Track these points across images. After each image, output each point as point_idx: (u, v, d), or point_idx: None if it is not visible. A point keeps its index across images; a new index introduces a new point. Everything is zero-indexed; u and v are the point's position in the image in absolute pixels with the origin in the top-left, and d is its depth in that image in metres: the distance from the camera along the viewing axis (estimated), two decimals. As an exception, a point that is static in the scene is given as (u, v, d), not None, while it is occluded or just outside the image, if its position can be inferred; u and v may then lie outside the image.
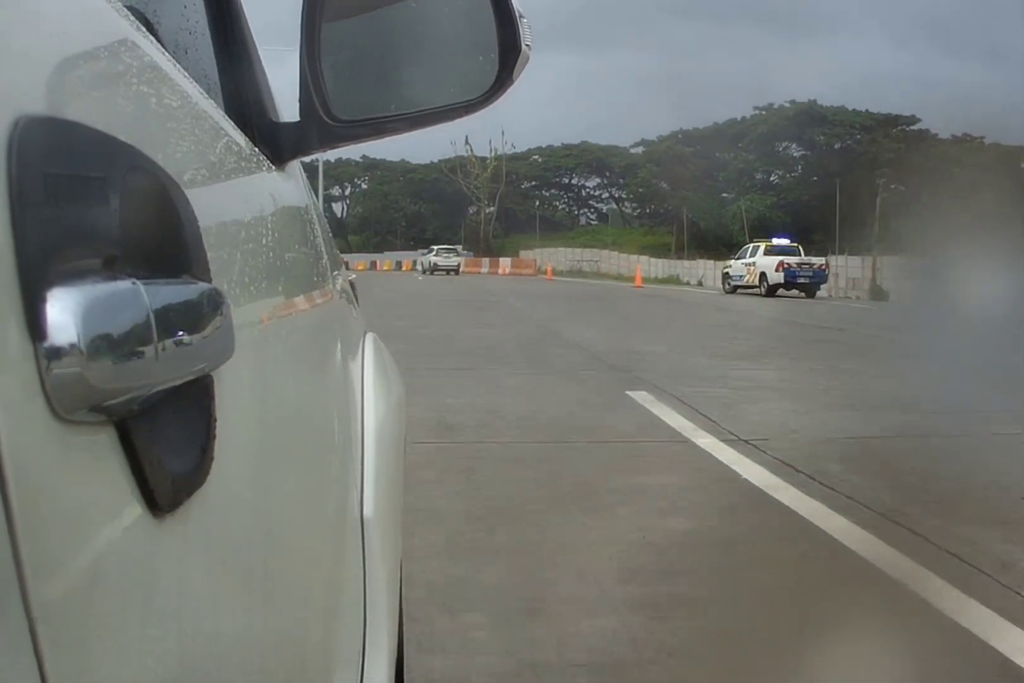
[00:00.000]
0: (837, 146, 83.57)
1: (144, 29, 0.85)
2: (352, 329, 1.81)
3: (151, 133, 0.74)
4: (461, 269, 65.48)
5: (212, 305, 0.70)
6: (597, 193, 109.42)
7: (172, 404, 0.64)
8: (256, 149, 1.25)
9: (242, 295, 0.90)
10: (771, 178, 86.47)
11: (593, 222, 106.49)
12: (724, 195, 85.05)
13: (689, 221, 79.09)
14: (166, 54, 0.91)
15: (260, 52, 1.46)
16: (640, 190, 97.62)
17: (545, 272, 65.88)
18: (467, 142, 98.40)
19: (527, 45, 1.30)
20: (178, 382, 0.64)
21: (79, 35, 0.66)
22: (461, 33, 1.37)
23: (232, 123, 1.15)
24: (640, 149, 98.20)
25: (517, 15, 1.29)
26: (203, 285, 0.71)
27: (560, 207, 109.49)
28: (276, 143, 1.34)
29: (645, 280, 51.22)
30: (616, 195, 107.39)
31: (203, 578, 0.72)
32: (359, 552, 1.50)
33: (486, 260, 72.14)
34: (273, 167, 1.31)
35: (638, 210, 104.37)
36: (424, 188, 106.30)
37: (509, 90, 1.33)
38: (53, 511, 0.51)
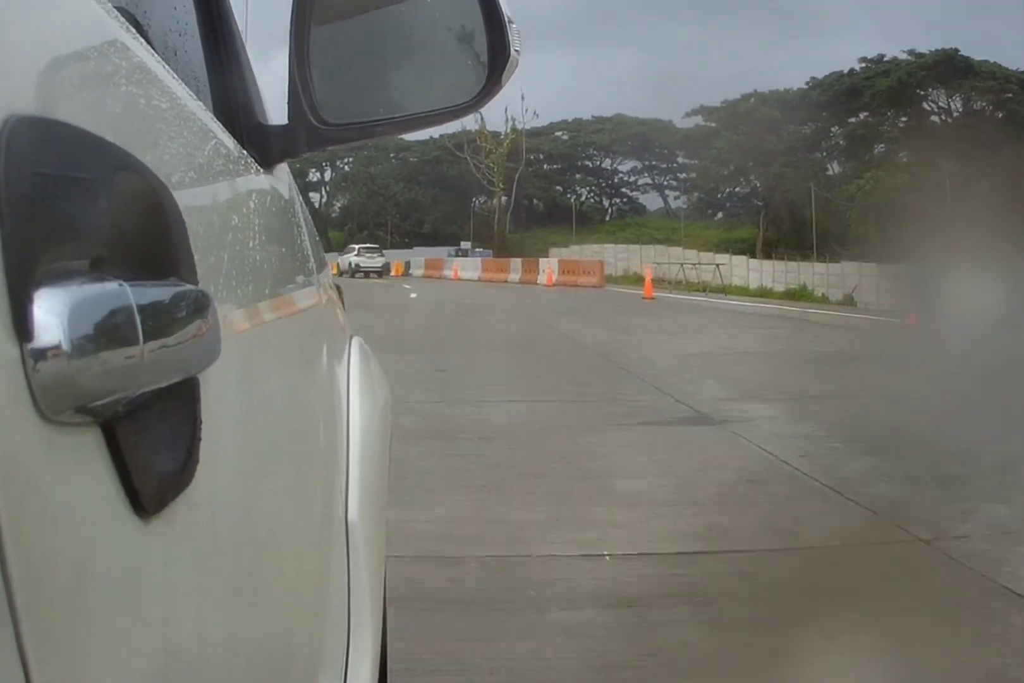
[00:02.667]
0: (991, 108, 59.41)
1: (134, 30, 0.85)
2: (338, 333, 1.81)
3: (140, 134, 0.74)
4: (390, 271, 53.08)
5: (199, 307, 0.70)
6: (632, 179, 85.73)
7: (158, 406, 0.64)
8: (244, 151, 1.25)
9: (229, 297, 0.90)
10: (899, 153, 58.53)
11: (626, 213, 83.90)
12: (828, 173, 62.91)
13: (789, 208, 57.93)
14: (155, 56, 0.91)
15: (249, 54, 1.46)
16: (708, 167, 70.89)
17: (615, 281, 44.80)
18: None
19: (516, 50, 1.30)
20: (164, 384, 0.64)
21: (69, 36, 0.66)
22: (450, 37, 1.37)
23: (220, 125, 1.15)
24: (695, 120, 73.52)
25: (506, 20, 1.29)
26: (190, 287, 0.71)
27: (588, 195, 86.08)
28: (264, 145, 1.34)
29: (757, 294, 37.35)
30: (659, 180, 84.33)
31: (188, 579, 0.72)
32: (343, 554, 1.50)
33: (516, 263, 45.85)
34: (261, 169, 1.31)
35: (689, 197, 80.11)
36: (421, 170, 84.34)
37: (498, 95, 1.33)
38: (39, 512, 0.51)
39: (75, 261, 0.55)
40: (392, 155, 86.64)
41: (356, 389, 1.74)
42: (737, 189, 74.15)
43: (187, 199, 0.79)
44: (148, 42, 0.94)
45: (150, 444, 0.63)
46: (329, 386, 1.55)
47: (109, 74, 0.71)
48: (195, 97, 1.06)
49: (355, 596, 1.50)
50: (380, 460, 1.76)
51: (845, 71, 63.44)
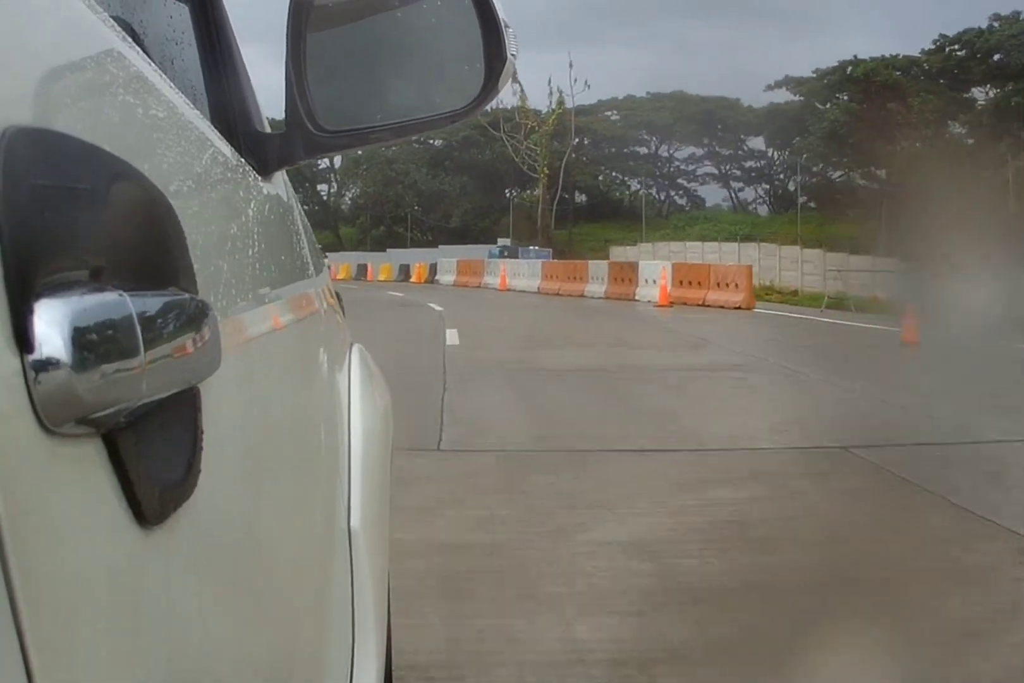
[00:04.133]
0: None
1: (130, 40, 0.85)
2: (338, 340, 1.81)
3: (137, 144, 0.74)
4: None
5: (199, 316, 0.70)
6: (690, 168, 71.77)
7: (159, 416, 0.64)
8: (242, 159, 1.25)
9: (229, 306, 0.90)
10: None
11: (682, 207, 71.14)
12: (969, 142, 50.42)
13: (923, 196, 34.33)
14: (152, 65, 0.91)
15: (246, 62, 1.46)
16: (813, 145, 56.58)
17: (762, 297, 27.44)
18: (515, 79, 55.74)
19: (512, 54, 1.30)
20: (165, 394, 0.64)
21: (66, 46, 0.66)
22: (447, 43, 1.37)
23: (218, 133, 1.15)
24: (777, 95, 60.75)
25: (503, 25, 1.29)
26: (190, 296, 0.71)
27: (641, 185, 71.18)
28: (262, 153, 1.34)
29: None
30: (724, 169, 70.66)
31: (191, 589, 0.71)
32: (347, 561, 1.50)
33: (597, 267, 30.60)
34: (259, 177, 1.31)
35: (770, 185, 67.99)
36: (447, 154, 68.99)
37: (495, 99, 1.33)
38: (41, 523, 0.50)
39: (75, 272, 0.55)
40: (412, 138, 75.59)
41: (357, 397, 1.74)
42: (847, 173, 59.32)
43: (186, 208, 0.79)
44: (145, 51, 0.94)
45: (152, 455, 0.62)
46: (330, 394, 1.55)
47: (106, 84, 0.71)
48: (192, 106, 1.06)
49: (359, 604, 1.50)
50: (382, 467, 1.76)
51: (977, 28, 52.67)
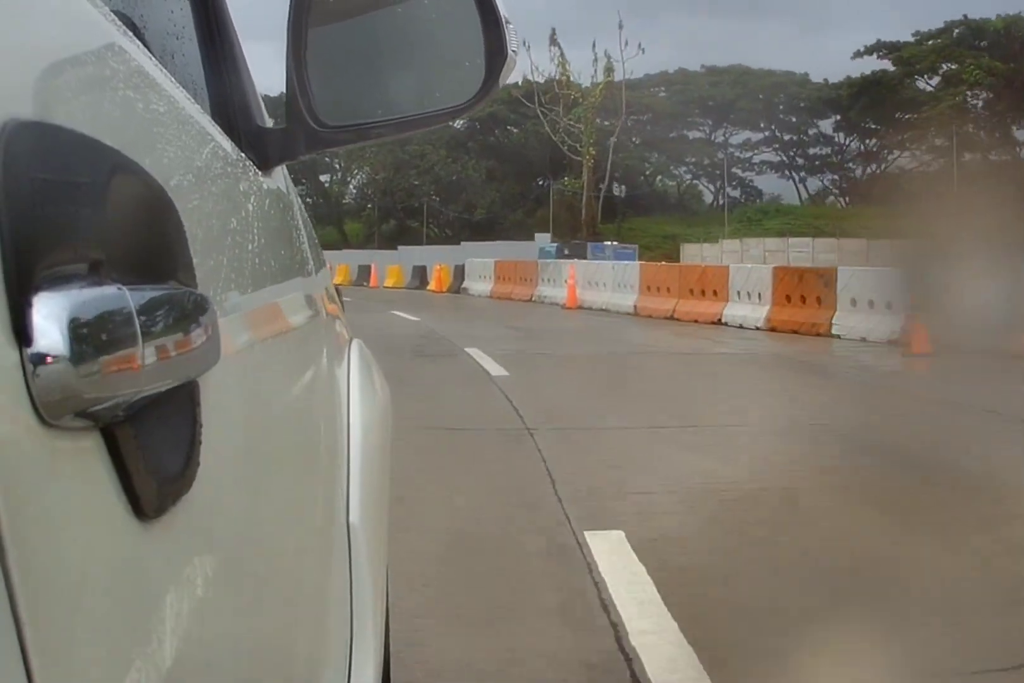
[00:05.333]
0: None
1: (131, 34, 0.85)
2: (338, 335, 1.81)
3: (138, 138, 0.74)
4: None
5: (198, 311, 0.70)
6: (745, 155, 61.24)
7: (158, 410, 0.64)
8: (242, 154, 1.25)
9: (228, 301, 0.90)
10: None
11: (738, 199, 61.29)
12: None
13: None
14: (153, 59, 0.91)
15: (247, 57, 1.46)
16: (942, 115, 44.53)
17: None
18: (554, 41, 49.40)
19: (513, 50, 1.30)
20: (164, 388, 0.64)
21: (66, 40, 0.66)
22: (447, 38, 1.37)
23: (218, 128, 1.15)
24: (862, 64, 52.93)
25: (503, 20, 1.29)
26: (189, 291, 0.71)
27: (687, 173, 61.27)
28: (262, 148, 1.34)
29: None
30: (792, 155, 60.09)
31: (189, 584, 0.72)
32: (345, 558, 1.50)
33: (754, 279, 16.61)
34: (259, 172, 1.31)
35: (866, 169, 57.13)
36: (471, 135, 58.34)
37: (494, 95, 1.33)
38: (40, 517, 0.51)
39: (74, 265, 0.55)
40: None
41: (357, 392, 1.74)
42: (983, 153, 46.26)
43: (186, 202, 0.79)
44: (145, 45, 0.94)
45: (150, 448, 0.62)
46: (329, 388, 1.55)
47: (107, 78, 0.71)
48: (193, 100, 1.06)
49: (357, 600, 1.50)
50: (381, 463, 1.76)
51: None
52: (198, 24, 1.40)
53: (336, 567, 1.44)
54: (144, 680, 0.61)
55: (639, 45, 57.01)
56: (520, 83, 50.38)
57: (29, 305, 0.51)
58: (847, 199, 59.84)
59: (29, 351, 0.51)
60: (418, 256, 40.34)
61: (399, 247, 45.62)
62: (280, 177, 1.49)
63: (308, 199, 60.48)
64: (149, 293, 0.62)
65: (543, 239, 38.94)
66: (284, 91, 1.30)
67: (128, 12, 1.08)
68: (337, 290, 2.01)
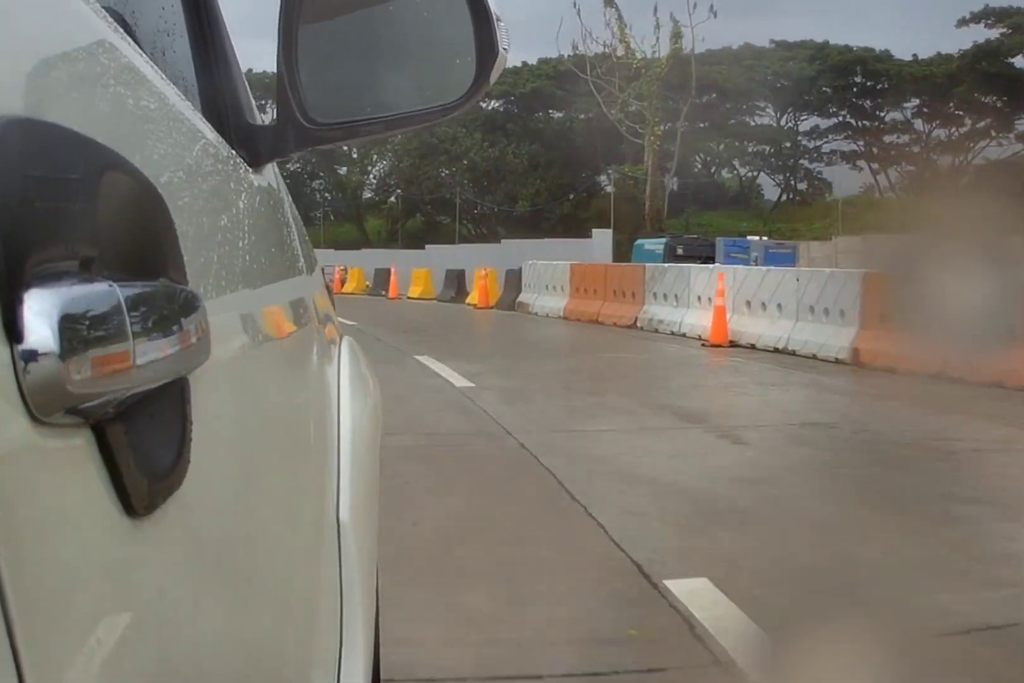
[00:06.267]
0: None
1: (122, 31, 0.85)
2: (328, 332, 1.81)
3: (129, 135, 0.74)
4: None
5: (188, 308, 0.70)
6: (812, 145, 53.29)
7: (148, 407, 0.64)
8: (233, 151, 1.25)
9: (219, 297, 0.90)
10: None
11: (803, 191, 53.46)
12: None
13: None
14: (144, 56, 0.91)
15: (238, 54, 1.46)
16: None
17: None
18: (610, 2, 40.94)
19: (504, 48, 1.30)
20: (154, 385, 0.64)
21: (57, 36, 0.66)
22: (438, 36, 1.37)
23: (209, 125, 1.15)
24: (968, 33, 43.46)
25: (494, 18, 1.29)
26: (180, 287, 0.71)
27: (748, 163, 53.19)
28: (253, 145, 1.34)
29: None
30: (865, 144, 51.74)
31: (180, 581, 0.72)
32: (335, 555, 1.50)
33: None
34: (250, 169, 1.31)
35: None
36: (509, 115, 50.20)
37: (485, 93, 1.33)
38: (30, 513, 0.51)
39: (65, 262, 0.55)
40: None
41: (347, 389, 1.74)
42: None
43: (176, 199, 0.79)
44: (136, 42, 0.93)
45: (141, 445, 0.62)
46: (320, 386, 1.55)
47: (98, 75, 0.71)
48: (183, 97, 1.06)
49: (347, 597, 1.50)
50: (371, 460, 1.76)
51: None
52: (189, 21, 1.40)
53: (326, 564, 1.44)
54: (134, 677, 0.61)
55: (711, 7, 43.05)
56: (567, 55, 41.62)
57: (20, 302, 0.51)
58: (919, 192, 44.30)
59: (20, 348, 0.51)
60: (450, 257, 31.36)
61: (427, 246, 36.42)
62: (271, 174, 1.49)
63: (326, 194, 56.54)
64: (140, 290, 0.62)
65: (602, 236, 29.91)
66: (276, 102, 1.30)
67: (119, 9, 1.08)
68: (328, 288, 2.01)
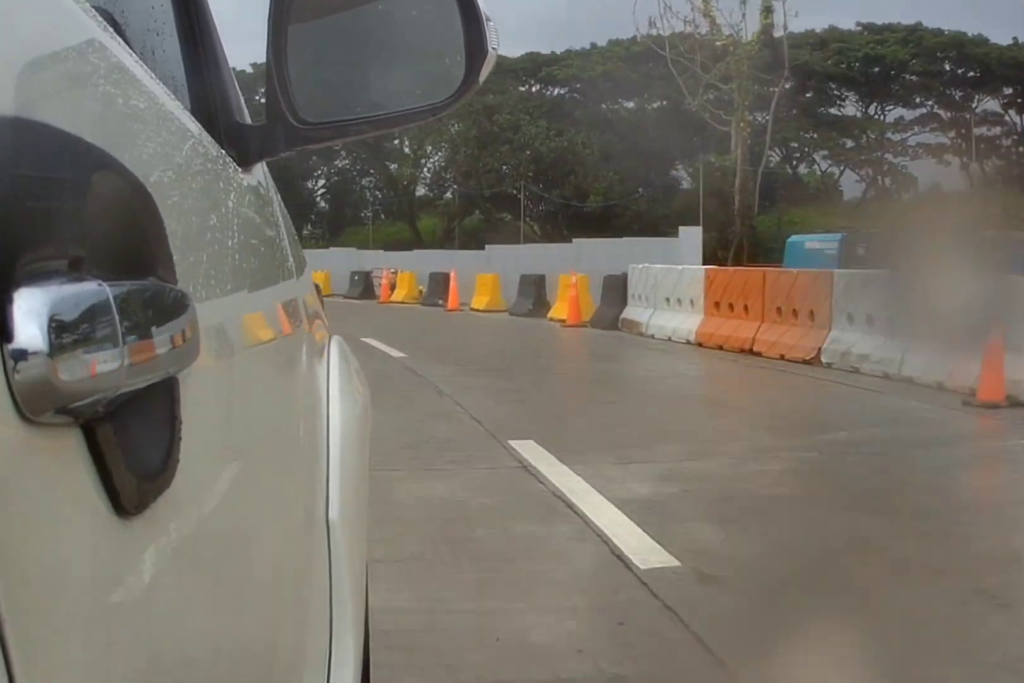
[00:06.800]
0: None
1: (112, 30, 0.85)
2: (317, 332, 1.81)
3: (118, 134, 0.74)
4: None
5: (178, 307, 0.70)
6: (896, 137, 47.29)
7: (138, 406, 0.64)
8: (222, 151, 1.24)
9: (208, 297, 0.90)
10: None
11: (887, 190, 45.47)
12: None
13: None
14: (133, 55, 0.91)
15: (227, 54, 1.46)
16: None
17: None
18: None
19: (493, 48, 1.30)
20: (143, 384, 0.64)
21: (47, 36, 0.66)
22: (428, 36, 1.37)
23: (199, 125, 1.15)
24: None
25: (484, 18, 1.29)
26: (169, 287, 0.71)
27: (829, 157, 47.62)
28: (242, 145, 1.34)
29: None
30: (957, 136, 46.36)
31: (169, 580, 0.72)
32: (325, 554, 1.50)
33: None
34: (239, 169, 1.30)
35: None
36: (576, 102, 45.62)
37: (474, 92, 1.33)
38: (20, 512, 0.51)
39: (54, 261, 0.55)
40: (524, 77, 45.29)
41: (336, 388, 1.74)
42: None
43: (166, 199, 0.79)
44: (126, 41, 0.93)
45: (130, 444, 0.62)
46: (309, 385, 1.55)
47: (87, 74, 0.71)
48: (173, 97, 1.06)
49: (337, 596, 1.50)
50: (360, 459, 1.76)
51: None
52: (179, 20, 1.40)
53: (316, 564, 1.44)
54: (124, 675, 0.61)
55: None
56: (640, 37, 36.17)
57: (10, 301, 0.51)
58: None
59: (9, 347, 0.51)
60: (513, 259, 25.89)
61: (487, 246, 31.22)
62: (260, 174, 1.49)
63: (376, 192, 51.78)
64: (129, 289, 0.62)
65: (691, 234, 24.88)
66: (265, 101, 1.30)
67: (109, 8, 1.07)
68: (317, 287, 2.01)
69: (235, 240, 1.10)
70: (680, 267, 16.09)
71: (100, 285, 0.57)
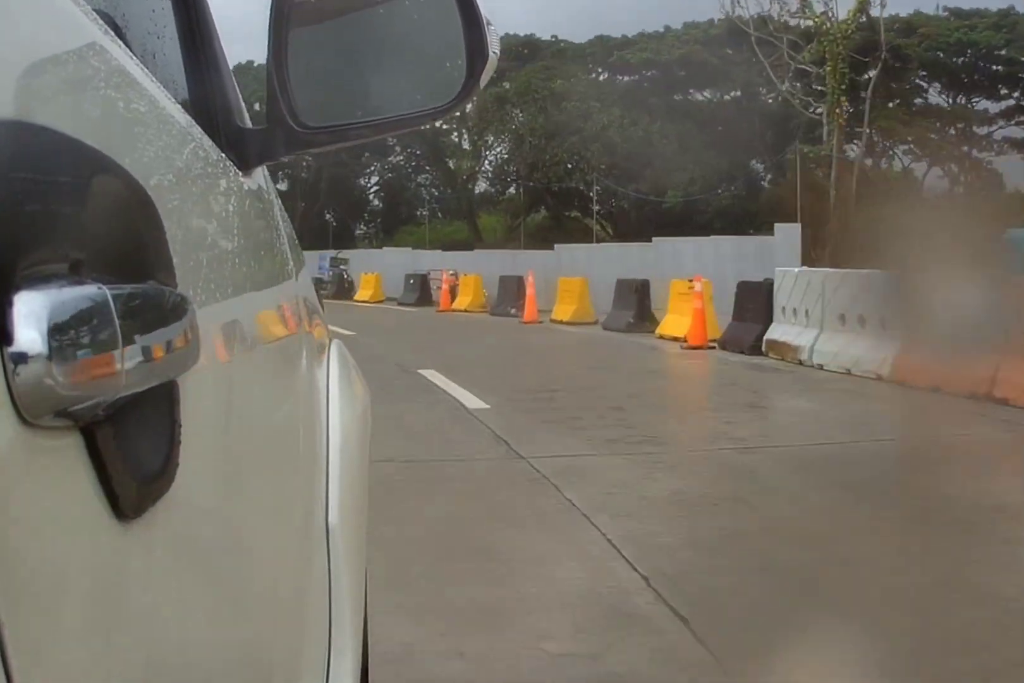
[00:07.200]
0: None
1: (112, 33, 0.85)
2: (317, 336, 1.81)
3: (119, 138, 0.74)
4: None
5: (178, 310, 0.70)
6: (981, 131, 40.52)
7: (137, 410, 0.64)
8: (223, 154, 1.24)
9: (208, 300, 0.90)
10: None
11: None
12: None
13: None
14: (134, 59, 0.91)
15: (228, 57, 1.46)
16: None
17: None
18: None
19: (494, 52, 1.30)
20: (143, 387, 0.64)
21: (48, 39, 0.66)
22: (428, 39, 1.37)
23: (199, 128, 1.15)
24: None
25: (484, 22, 1.30)
26: (169, 290, 0.71)
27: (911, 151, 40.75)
28: (243, 149, 1.34)
29: None
30: None
31: (169, 584, 0.71)
32: (324, 558, 1.50)
33: None
34: (239, 172, 1.30)
35: None
36: (653, 87, 40.31)
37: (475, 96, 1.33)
38: (19, 516, 0.50)
39: (54, 264, 0.55)
40: (588, 60, 41.26)
41: (336, 392, 1.74)
42: None
43: (166, 202, 0.79)
44: (127, 45, 0.93)
45: (130, 448, 0.62)
46: (308, 389, 1.55)
47: (88, 77, 0.71)
48: (174, 100, 1.06)
49: (336, 600, 1.50)
50: (360, 464, 1.76)
51: None
52: (179, 24, 1.40)
53: (315, 569, 1.44)
54: (122, 678, 0.61)
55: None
56: (724, 15, 32.47)
57: (9, 304, 0.51)
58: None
59: (9, 350, 0.51)
60: (585, 260, 23.87)
61: (556, 246, 28.30)
62: (260, 177, 1.49)
63: (434, 190, 48.31)
64: (129, 293, 0.62)
65: (788, 232, 22.14)
66: (265, 106, 1.30)
67: (110, 11, 1.07)
68: (317, 292, 2.00)
69: (235, 243, 1.10)
70: (863, 272, 11.37)
71: (100, 288, 0.57)
